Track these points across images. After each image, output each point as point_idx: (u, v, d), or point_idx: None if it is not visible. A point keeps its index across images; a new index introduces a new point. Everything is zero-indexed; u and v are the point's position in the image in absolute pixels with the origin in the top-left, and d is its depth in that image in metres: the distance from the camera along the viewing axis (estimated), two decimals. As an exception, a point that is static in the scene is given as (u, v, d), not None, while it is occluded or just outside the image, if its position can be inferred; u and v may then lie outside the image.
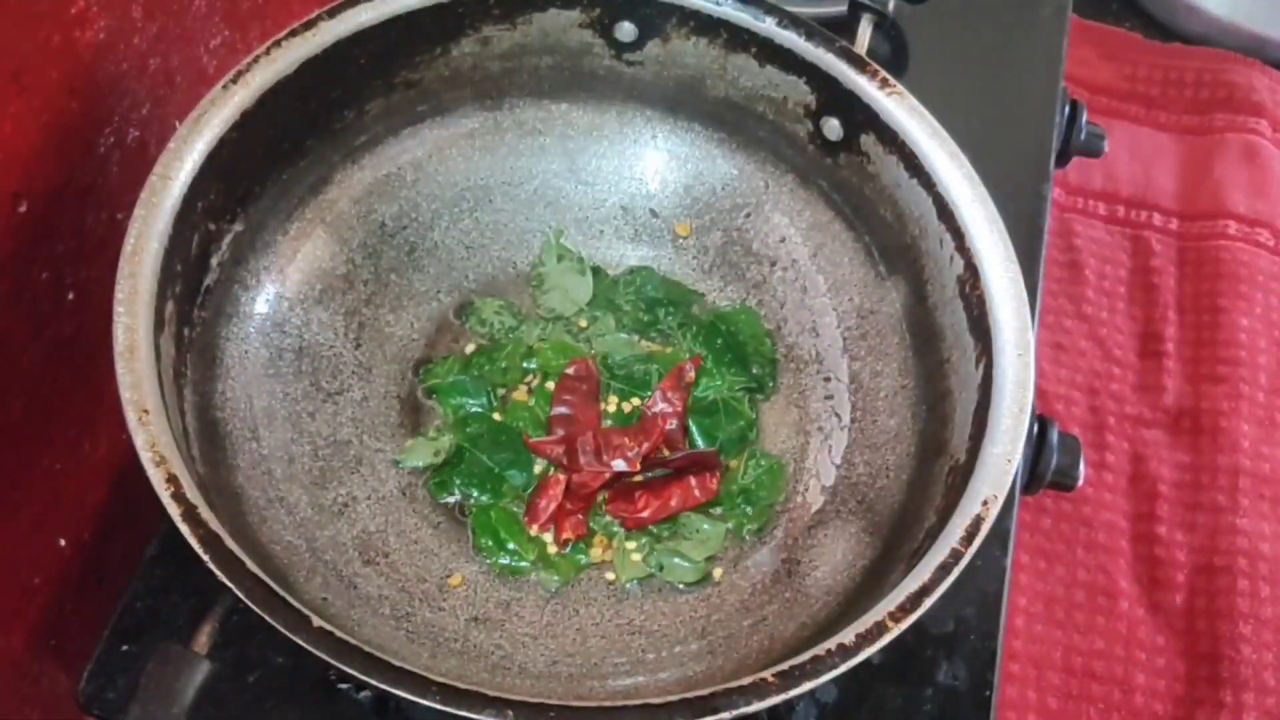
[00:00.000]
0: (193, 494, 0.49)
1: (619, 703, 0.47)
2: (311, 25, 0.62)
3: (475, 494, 0.65)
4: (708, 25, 0.67)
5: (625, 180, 0.73)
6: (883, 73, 0.64)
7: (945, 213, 0.62)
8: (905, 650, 0.66)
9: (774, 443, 0.68)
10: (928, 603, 0.50)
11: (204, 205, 0.59)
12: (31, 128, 0.56)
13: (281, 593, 0.48)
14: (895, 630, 0.50)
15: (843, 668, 0.49)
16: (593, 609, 0.63)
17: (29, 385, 0.62)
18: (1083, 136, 0.90)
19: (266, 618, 0.47)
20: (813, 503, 0.65)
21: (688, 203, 0.73)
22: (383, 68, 0.66)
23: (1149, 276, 1.24)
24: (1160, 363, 1.18)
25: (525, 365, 0.69)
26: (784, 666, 0.49)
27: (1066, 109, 0.90)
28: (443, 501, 0.65)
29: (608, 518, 0.65)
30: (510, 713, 0.46)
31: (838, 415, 0.67)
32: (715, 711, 0.47)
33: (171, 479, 0.49)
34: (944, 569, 0.51)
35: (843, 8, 0.81)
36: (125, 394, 0.51)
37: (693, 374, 0.69)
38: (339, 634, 0.47)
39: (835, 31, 0.66)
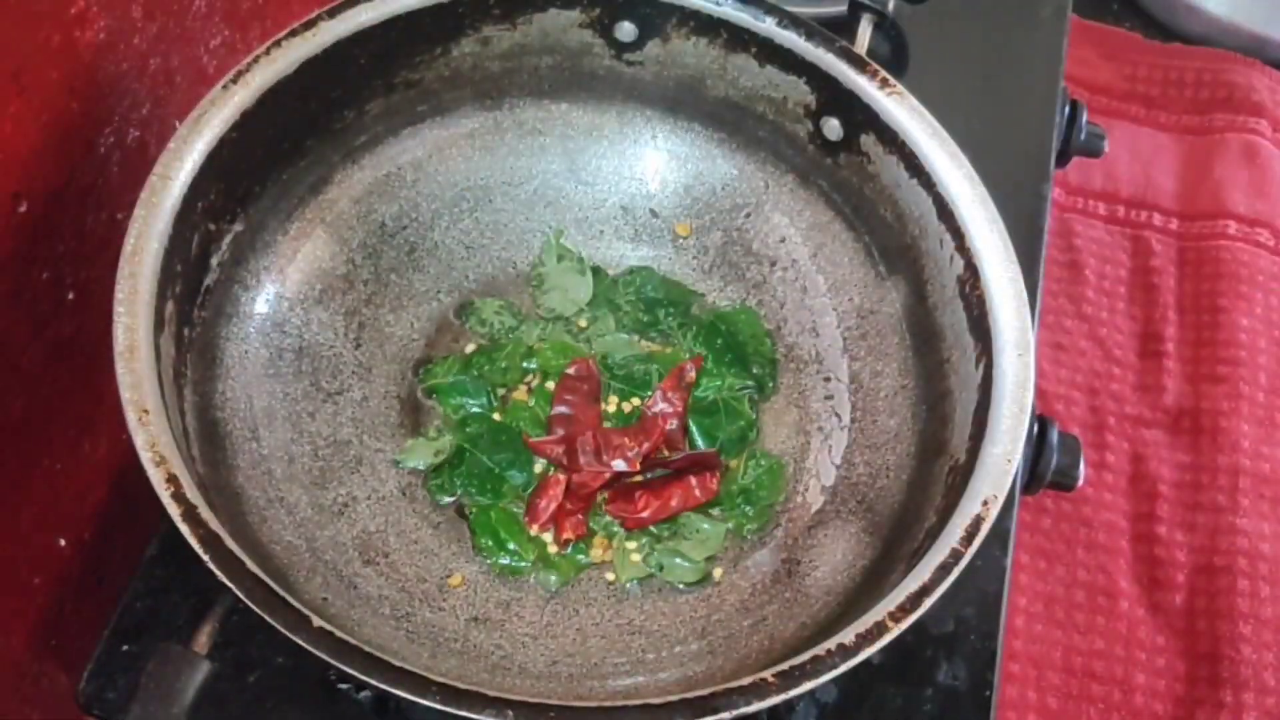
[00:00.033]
0: (193, 494, 0.49)
1: (619, 703, 0.47)
2: (311, 25, 0.62)
3: (475, 494, 0.65)
4: (708, 25, 0.67)
5: (625, 180, 0.73)
6: (883, 73, 0.64)
7: (945, 213, 0.62)
8: (905, 650, 0.66)
9: (774, 443, 0.68)
10: (928, 603, 0.50)
11: (204, 205, 0.59)
12: (31, 128, 0.56)
13: (281, 593, 0.48)
14: (895, 630, 0.50)
15: (843, 668, 0.49)
16: (593, 609, 0.63)
17: (29, 385, 0.62)
18: (1083, 136, 0.90)
19: (266, 618, 0.47)
20: (813, 503, 0.65)
21: (688, 203, 0.73)
22: (383, 68, 0.66)
23: (1149, 276, 1.24)
24: (1160, 363, 1.18)
25: (525, 365, 0.69)
26: (784, 666, 0.49)
27: (1066, 109, 0.90)
28: (443, 501, 0.65)
29: (608, 518, 0.65)
30: (510, 713, 0.46)
31: (838, 415, 0.67)
32: (715, 711, 0.47)
33: (171, 479, 0.49)
34: (944, 569, 0.51)
35: (843, 8, 0.81)
36: (125, 394, 0.51)
37: (693, 374, 0.69)
38: (339, 634, 0.47)
39: (835, 31, 0.66)
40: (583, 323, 0.71)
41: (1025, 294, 0.59)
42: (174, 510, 0.49)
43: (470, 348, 0.70)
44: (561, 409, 0.67)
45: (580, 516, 0.65)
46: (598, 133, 0.72)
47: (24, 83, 0.55)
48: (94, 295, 0.64)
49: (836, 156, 0.68)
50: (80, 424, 0.67)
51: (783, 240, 0.71)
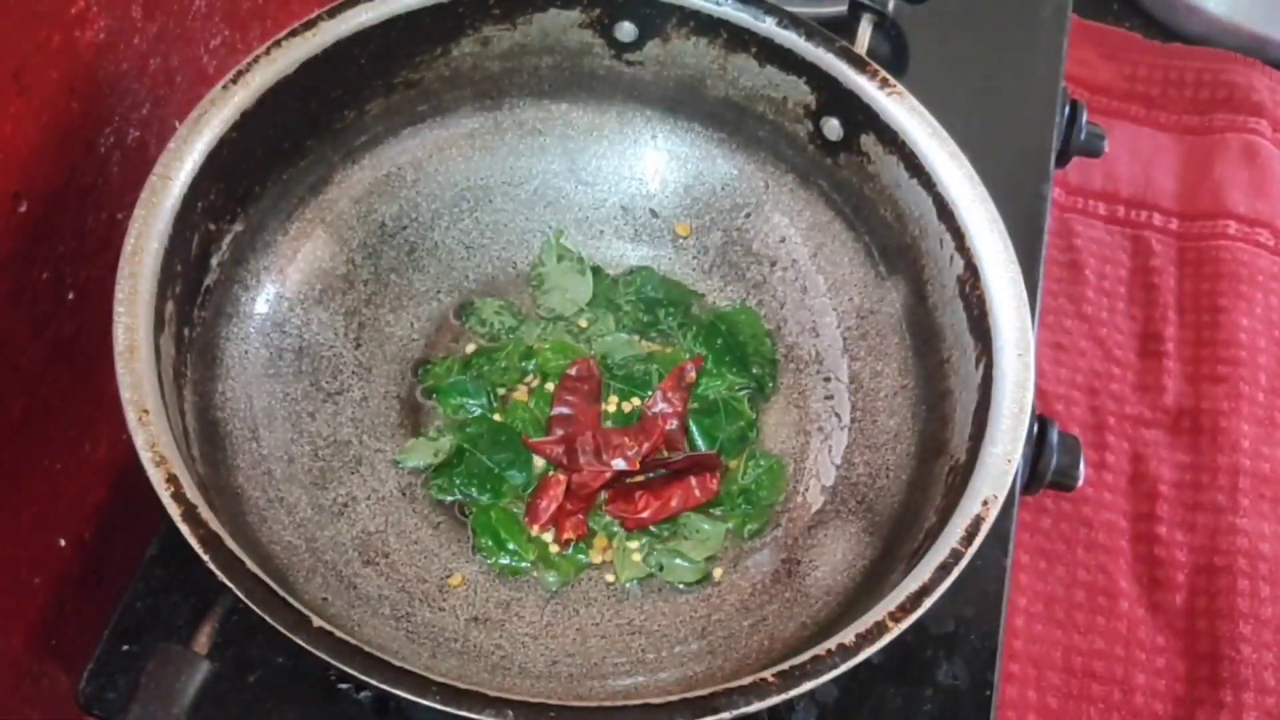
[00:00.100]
0: (193, 494, 0.49)
1: (619, 703, 0.47)
2: (311, 25, 0.62)
3: (475, 494, 0.65)
4: (708, 25, 0.67)
5: (625, 180, 0.73)
6: (883, 73, 0.64)
7: (945, 213, 0.62)
8: (905, 650, 0.66)
9: (774, 443, 0.68)
10: (928, 603, 0.50)
11: (204, 205, 0.59)
12: (31, 128, 0.56)
13: (281, 593, 0.48)
14: (895, 630, 0.50)
15: (843, 668, 0.49)
16: (593, 609, 0.63)
17: (29, 385, 0.62)
18: (1083, 136, 0.90)
19: (266, 618, 0.47)
20: (813, 503, 0.65)
21: (688, 203, 0.73)
22: (383, 68, 0.66)
23: (1149, 276, 1.24)
24: (1160, 363, 1.18)
25: (525, 365, 0.69)
26: (784, 666, 0.49)
27: (1066, 109, 0.90)
28: (443, 501, 0.65)
29: (608, 518, 0.65)
30: (510, 713, 0.46)
31: (838, 415, 0.67)
32: (715, 711, 0.47)
33: (171, 479, 0.49)
34: (944, 569, 0.51)
35: (843, 8, 0.81)
36: (125, 394, 0.51)
37: (693, 374, 0.69)
38: (339, 634, 0.47)
39: (835, 31, 0.66)
40: (583, 323, 0.71)
41: (1025, 294, 0.59)
42: (174, 510, 0.49)
43: (470, 348, 0.70)
44: (561, 409, 0.67)
45: (581, 516, 0.65)
46: (598, 133, 0.72)
47: (24, 83, 0.55)
48: (94, 295, 0.64)
49: (836, 156, 0.68)
50: (80, 424, 0.67)
51: (783, 240, 0.71)
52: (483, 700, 0.46)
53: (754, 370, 0.69)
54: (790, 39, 0.65)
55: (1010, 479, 0.54)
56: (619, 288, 0.72)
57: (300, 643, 0.47)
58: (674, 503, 0.65)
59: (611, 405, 0.68)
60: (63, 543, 0.68)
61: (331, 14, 0.62)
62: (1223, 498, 1.10)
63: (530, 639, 0.61)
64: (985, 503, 0.53)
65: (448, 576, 0.62)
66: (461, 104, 0.70)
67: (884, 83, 0.64)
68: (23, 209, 0.57)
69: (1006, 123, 0.85)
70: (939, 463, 0.60)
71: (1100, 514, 1.10)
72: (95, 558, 0.71)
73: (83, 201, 0.62)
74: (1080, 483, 0.71)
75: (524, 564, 0.63)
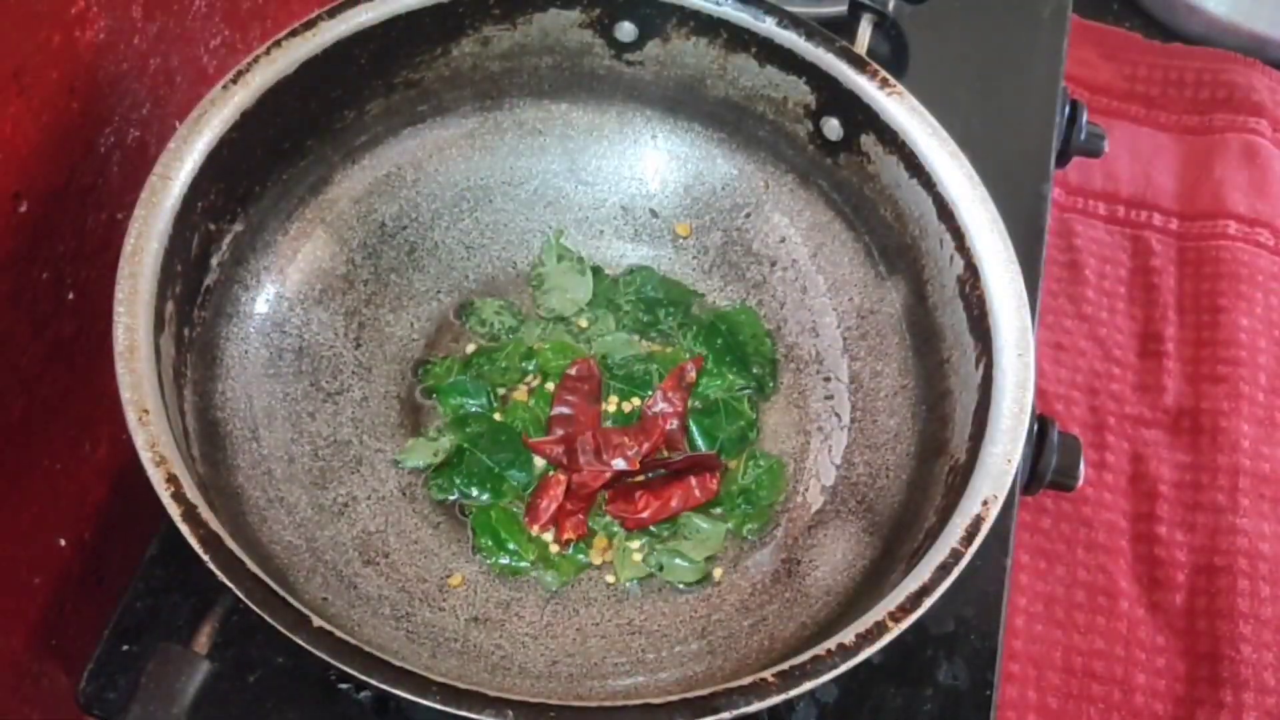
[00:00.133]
0: (193, 494, 0.49)
1: (619, 703, 0.47)
2: (311, 25, 0.62)
3: (475, 494, 0.65)
4: (708, 25, 0.67)
5: (625, 180, 0.73)
6: (883, 73, 0.64)
7: (945, 213, 0.62)
8: (905, 650, 0.66)
9: (774, 443, 0.68)
10: (928, 603, 0.50)
11: (204, 205, 0.59)
12: (31, 128, 0.56)
13: (281, 593, 0.48)
14: (895, 630, 0.50)
15: (843, 668, 0.49)
16: (593, 609, 0.63)
17: (29, 385, 0.62)
18: (1083, 136, 0.90)
19: (266, 618, 0.47)
20: (813, 503, 0.65)
21: (688, 203, 0.73)
22: (383, 68, 0.66)
23: (1149, 276, 1.24)
24: (1160, 363, 1.18)
25: (525, 365, 0.69)
26: (784, 666, 0.49)
27: (1066, 109, 0.90)
28: (443, 501, 0.65)
29: (608, 518, 0.65)
30: (510, 713, 0.46)
31: (838, 415, 0.67)
32: (715, 711, 0.47)
33: (171, 479, 0.49)
34: (944, 569, 0.51)
35: (843, 8, 0.81)
36: (125, 394, 0.51)
37: (694, 374, 0.69)
38: (339, 634, 0.47)
39: (835, 31, 0.66)
40: (583, 323, 0.71)
41: (1025, 294, 0.59)
42: (174, 510, 0.49)
43: (470, 348, 0.70)
44: (562, 409, 0.67)
45: (581, 516, 0.65)
46: (598, 133, 0.72)
47: (24, 83, 0.55)
48: (94, 295, 0.64)
49: (836, 156, 0.68)
50: (80, 424, 0.67)
51: (783, 240, 0.71)
52: (483, 700, 0.46)
53: (754, 370, 0.69)
54: (790, 39, 0.65)
55: (1010, 479, 0.54)
56: (619, 288, 0.72)
57: (300, 643, 0.47)
58: (674, 503, 0.65)
59: (611, 405, 0.68)
60: (63, 543, 0.68)
61: (331, 14, 0.62)
62: (1223, 498, 1.10)
63: (530, 639, 0.61)
64: (985, 503, 0.53)
65: (448, 576, 0.62)
66: (461, 104, 0.70)
67: (884, 83, 0.64)
68: (23, 209, 0.57)
69: (1006, 123, 0.85)
70: (939, 463, 0.60)
71: (1100, 514, 1.10)
72: (95, 558, 0.71)
73: (83, 201, 0.62)
74: (1080, 483, 0.71)
75: (524, 564, 0.63)
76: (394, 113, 0.68)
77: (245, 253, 0.64)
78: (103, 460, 0.70)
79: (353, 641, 0.47)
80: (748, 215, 0.72)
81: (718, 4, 0.66)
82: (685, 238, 0.73)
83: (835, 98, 0.65)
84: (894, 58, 0.87)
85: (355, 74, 0.65)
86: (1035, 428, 0.70)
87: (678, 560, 0.64)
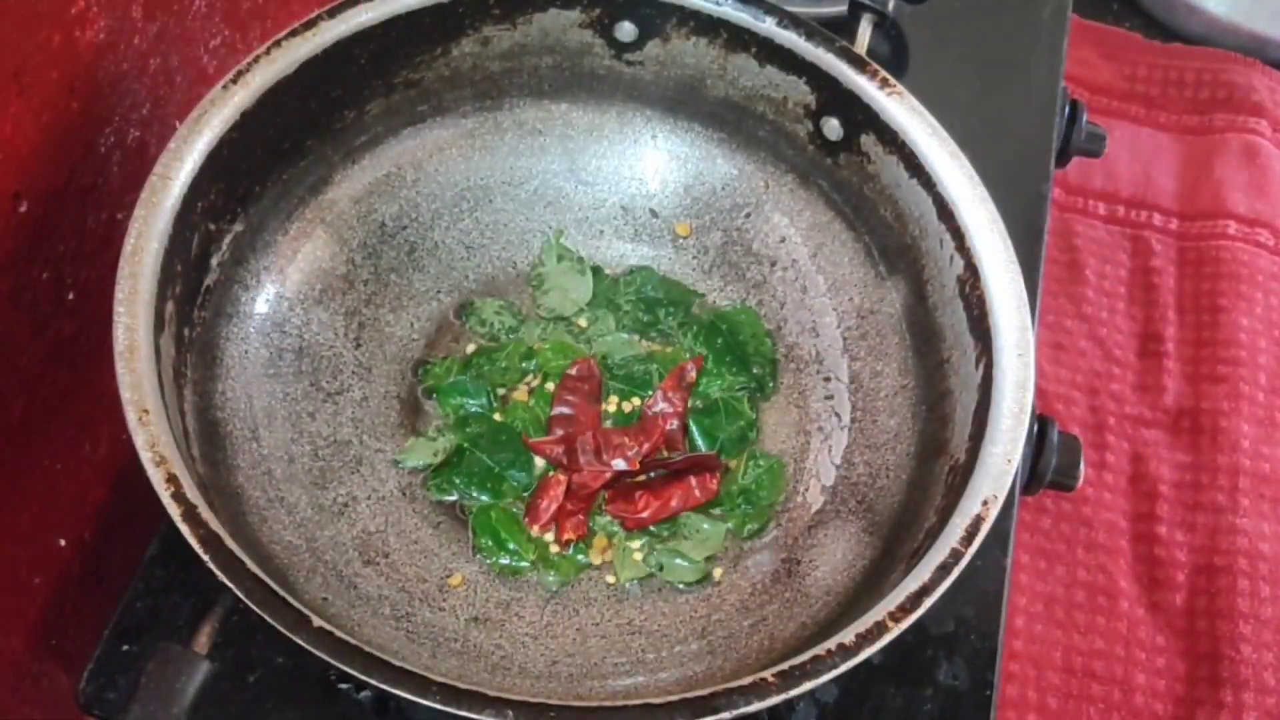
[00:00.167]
0: (193, 494, 0.49)
1: (619, 703, 0.47)
2: (311, 25, 0.62)
3: (475, 494, 0.65)
4: (708, 25, 0.67)
5: (625, 180, 0.73)
6: (883, 73, 0.64)
7: (945, 213, 0.62)
8: (905, 650, 0.66)
9: (774, 443, 0.68)
10: (928, 603, 0.50)
11: (204, 205, 0.59)
12: (31, 128, 0.56)
13: (281, 593, 0.48)
14: (895, 630, 0.50)
15: (843, 668, 0.49)
16: (593, 609, 0.63)
17: (29, 385, 0.62)
18: (1083, 136, 0.90)
19: (266, 618, 0.47)
20: (813, 503, 0.65)
21: (688, 203, 0.73)
22: (383, 68, 0.66)
23: (1149, 276, 1.24)
24: (1160, 363, 1.18)
25: (525, 365, 0.69)
26: (784, 666, 0.49)
27: (1066, 109, 0.90)
28: (443, 501, 0.65)
29: (608, 518, 0.65)
30: (510, 713, 0.46)
31: (838, 415, 0.67)
32: (715, 711, 0.47)
33: (171, 479, 0.49)
34: (944, 569, 0.51)
35: (843, 8, 0.81)
36: (125, 394, 0.51)
37: (694, 374, 0.69)
38: (339, 634, 0.47)
39: (835, 31, 0.66)
40: (583, 323, 0.71)
41: (1025, 294, 0.59)
42: (174, 510, 0.49)
43: (470, 348, 0.70)
44: (562, 409, 0.67)
45: (581, 517, 0.65)
46: (598, 133, 0.72)
47: (24, 83, 0.55)
48: (94, 295, 0.64)
49: (836, 156, 0.68)
50: (80, 424, 0.67)
51: (783, 240, 0.71)
52: (483, 700, 0.46)
53: (754, 370, 0.69)
54: (790, 39, 0.65)
55: (1010, 479, 0.54)
56: (619, 288, 0.72)
57: (300, 643, 0.47)
58: (674, 503, 0.65)
59: (612, 405, 0.68)
60: (63, 543, 0.68)
61: (331, 14, 0.62)
62: (1223, 498, 1.10)
63: (530, 639, 0.61)
64: (985, 503, 0.53)
65: (448, 576, 0.62)
66: (461, 104, 0.70)
67: (884, 83, 0.64)
68: (23, 209, 0.57)
69: (1006, 123, 0.85)
70: (939, 463, 0.60)
71: (1100, 514, 1.10)
72: (95, 558, 0.71)
73: (83, 201, 0.62)
74: (1080, 483, 0.71)
75: (524, 564, 0.63)
76: (394, 113, 0.68)
77: (245, 253, 0.64)
78: (103, 460, 0.70)
79: (353, 641, 0.47)
80: (748, 215, 0.72)
81: (718, 4, 0.66)
82: (685, 238, 0.73)
83: (835, 98, 0.65)
84: (894, 58, 0.87)
85: (355, 74, 0.65)
86: (1035, 428, 0.70)
87: (678, 560, 0.64)
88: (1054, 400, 1.15)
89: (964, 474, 0.56)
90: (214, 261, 0.62)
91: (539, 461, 0.66)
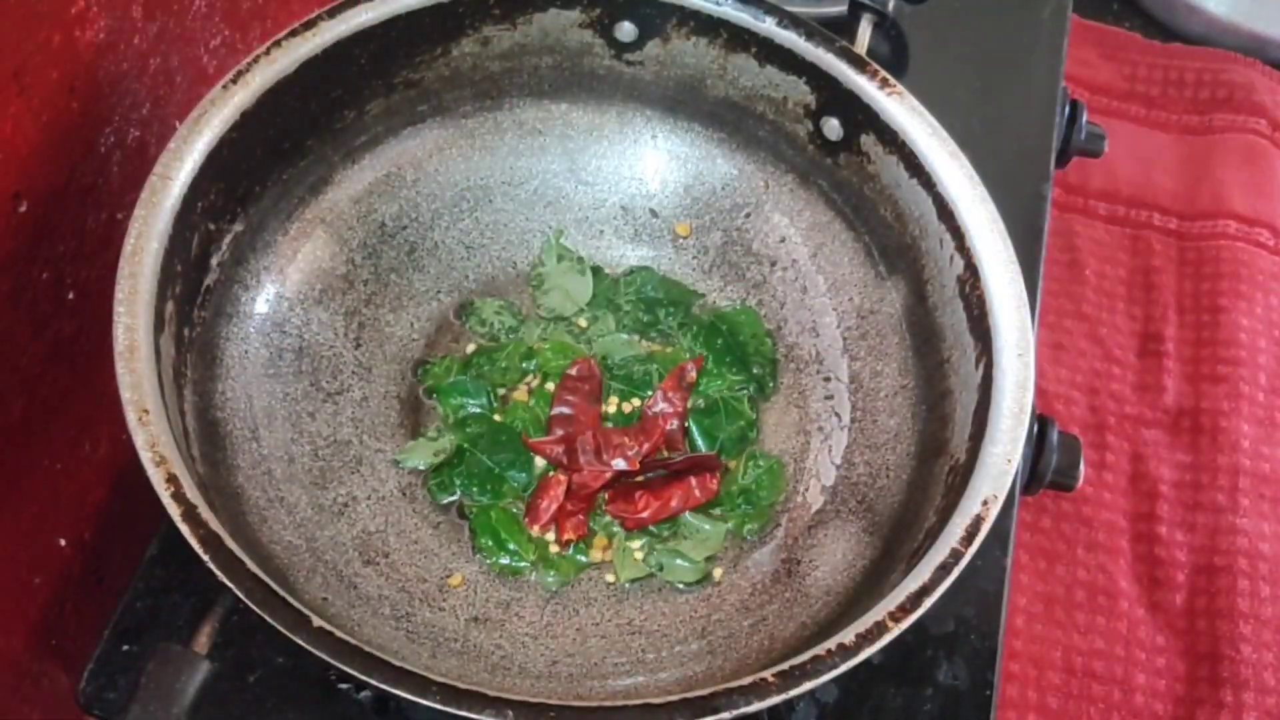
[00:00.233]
0: (193, 494, 0.49)
1: (619, 703, 0.47)
2: (311, 25, 0.62)
3: (475, 494, 0.65)
4: (708, 25, 0.67)
5: (625, 180, 0.73)
6: (883, 73, 0.64)
7: (945, 213, 0.62)
8: (905, 650, 0.66)
9: (774, 443, 0.68)
10: (928, 603, 0.50)
11: (204, 205, 0.59)
12: (31, 128, 0.56)
13: (281, 593, 0.48)
14: (895, 630, 0.50)
15: (843, 668, 0.49)
16: (593, 609, 0.63)
17: (29, 385, 0.62)
18: (1083, 136, 0.90)
19: (266, 618, 0.47)
20: (813, 503, 0.65)
21: (688, 203, 0.73)
22: (383, 68, 0.66)
23: (1149, 276, 1.24)
24: (1160, 363, 1.18)
25: (525, 365, 0.69)
26: (784, 666, 0.49)
27: (1066, 109, 0.90)
28: (443, 501, 0.65)
29: (608, 518, 0.65)
30: (510, 713, 0.46)
31: (838, 415, 0.67)
32: (715, 711, 0.47)
33: (171, 479, 0.49)
34: (944, 569, 0.51)
35: (843, 8, 0.81)
36: (125, 394, 0.51)
37: (694, 374, 0.69)
38: (339, 634, 0.47)
39: (835, 31, 0.66)
40: (583, 323, 0.71)
41: (1025, 294, 0.59)
42: (174, 510, 0.49)
43: (470, 348, 0.70)
44: (562, 409, 0.67)
45: (581, 517, 0.65)
46: (598, 133, 0.72)
47: (24, 83, 0.55)
48: (94, 295, 0.64)
49: (836, 156, 0.68)
50: (80, 424, 0.67)
51: (783, 240, 0.71)
52: (483, 700, 0.46)
53: (754, 370, 0.69)
54: (790, 39, 0.65)
55: (1010, 479, 0.54)
56: (619, 288, 0.72)
57: (300, 643, 0.47)
58: (674, 503, 0.65)
59: (612, 405, 0.68)
60: (63, 543, 0.68)
61: (331, 14, 0.62)
62: (1223, 498, 1.10)
63: (530, 639, 0.61)
64: (985, 503, 0.53)
65: (448, 576, 0.62)
66: (461, 104, 0.70)
67: (884, 83, 0.64)
68: (23, 209, 0.57)
69: (1006, 123, 0.85)
70: (939, 463, 0.60)
71: (1100, 514, 1.10)
72: (95, 558, 0.71)
73: (83, 201, 0.62)
74: (1080, 483, 0.71)
75: (524, 564, 0.63)
76: (394, 113, 0.68)
77: (245, 253, 0.64)
78: (103, 460, 0.70)
79: (353, 641, 0.47)
80: (748, 215, 0.72)
81: (718, 4, 0.66)
82: (685, 238, 0.73)
83: (835, 98, 0.65)
84: (894, 58, 0.87)
85: (355, 74, 0.65)
86: (1035, 428, 0.70)
87: (678, 560, 0.64)
88: (1054, 400, 1.15)
89: (964, 474, 0.56)
90: (214, 261, 0.62)
91: (539, 461, 0.66)
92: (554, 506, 0.64)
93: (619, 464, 0.65)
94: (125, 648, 0.63)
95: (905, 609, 0.50)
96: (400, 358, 0.68)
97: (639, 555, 0.64)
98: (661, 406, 0.67)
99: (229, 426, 0.61)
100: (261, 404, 0.63)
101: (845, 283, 0.69)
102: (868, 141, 0.65)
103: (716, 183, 0.72)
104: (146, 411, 0.51)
